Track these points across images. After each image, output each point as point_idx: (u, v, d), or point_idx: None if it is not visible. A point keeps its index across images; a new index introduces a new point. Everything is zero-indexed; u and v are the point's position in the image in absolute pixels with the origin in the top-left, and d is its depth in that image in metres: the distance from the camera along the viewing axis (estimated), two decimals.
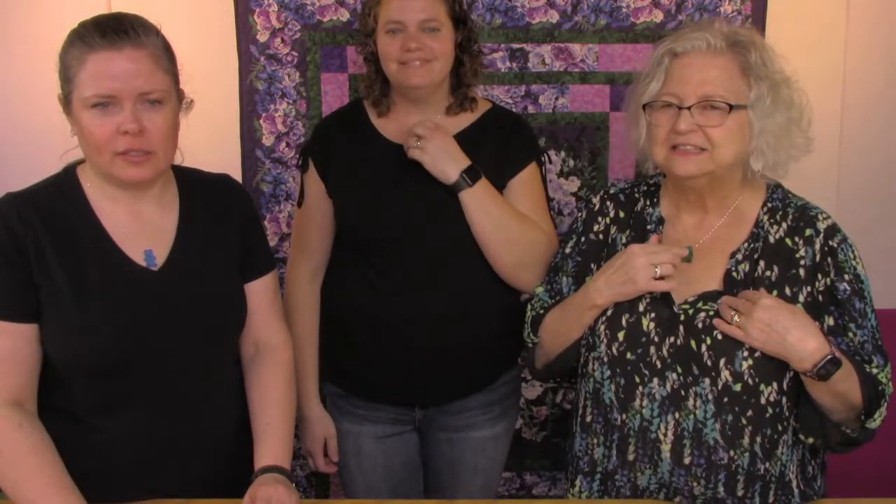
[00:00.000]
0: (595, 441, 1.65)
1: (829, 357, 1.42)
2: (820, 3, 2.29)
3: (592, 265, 1.71)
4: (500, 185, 1.91)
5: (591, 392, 1.65)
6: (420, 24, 1.81)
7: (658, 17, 2.27)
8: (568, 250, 1.75)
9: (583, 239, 1.73)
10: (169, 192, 1.61)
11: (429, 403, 1.98)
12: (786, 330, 1.43)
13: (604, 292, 1.59)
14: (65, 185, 1.55)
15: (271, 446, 1.61)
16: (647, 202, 1.69)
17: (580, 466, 1.69)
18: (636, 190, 1.72)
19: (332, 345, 2.01)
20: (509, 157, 1.92)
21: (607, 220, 1.72)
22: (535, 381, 1.88)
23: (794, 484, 1.56)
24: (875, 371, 1.49)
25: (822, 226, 1.56)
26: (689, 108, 1.52)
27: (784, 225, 1.57)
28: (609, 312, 1.61)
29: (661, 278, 1.54)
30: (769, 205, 1.60)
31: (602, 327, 1.61)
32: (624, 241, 1.68)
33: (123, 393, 1.53)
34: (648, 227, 1.67)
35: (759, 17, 2.26)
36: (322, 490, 2.50)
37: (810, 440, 1.53)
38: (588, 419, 1.66)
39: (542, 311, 1.75)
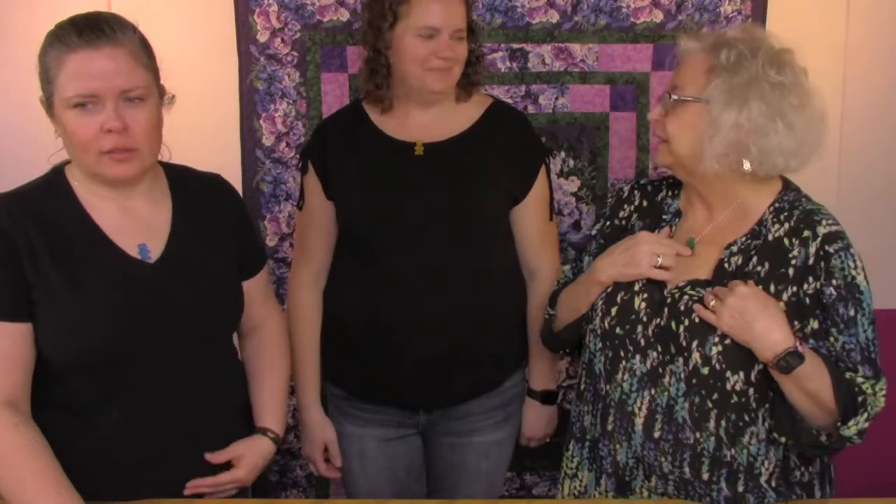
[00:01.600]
0: (585, 409, 1.74)
1: (791, 350, 1.46)
2: (820, 3, 2.29)
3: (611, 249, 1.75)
4: (517, 197, 1.93)
5: (586, 362, 1.74)
6: (454, 32, 1.81)
7: (658, 17, 2.27)
8: (594, 232, 1.82)
9: (608, 223, 1.80)
10: (158, 187, 1.62)
11: (432, 407, 1.97)
12: (754, 318, 1.48)
13: (606, 270, 1.67)
14: (54, 184, 1.56)
15: (266, 411, 1.71)
16: (669, 193, 1.75)
17: (573, 431, 1.78)
18: (664, 182, 1.78)
19: (335, 347, 2.00)
20: (522, 168, 1.92)
21: (632, 207, 1.78)
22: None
23: (764, 479, 1.57)
24: (860, 381, 1.50)
25: (822, 230, 1.55)
26: (661, 99, 1.63)
27: (787, 225, 1.59)
28: (609, 289, 1.68)
29: (664, 268, 1.60)
30: (776, 205, 1.62)
31: (600, 302, 1.69)
32: (639, 226, 1.74)
33: (122, 387, 1.53)
34: (664, 216, 1.72)
35: (758, 17, 2.26)
36: (322, 490, 2.50)
37: (782, 439, 1.55)
38: (582, 387, 1.75)
39: (560, 288, 1.84)
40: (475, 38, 1.91)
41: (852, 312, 1.52)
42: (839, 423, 1.49)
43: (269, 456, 1.69)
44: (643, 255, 1.61)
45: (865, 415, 1.49)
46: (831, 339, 1.52)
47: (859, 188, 2.35)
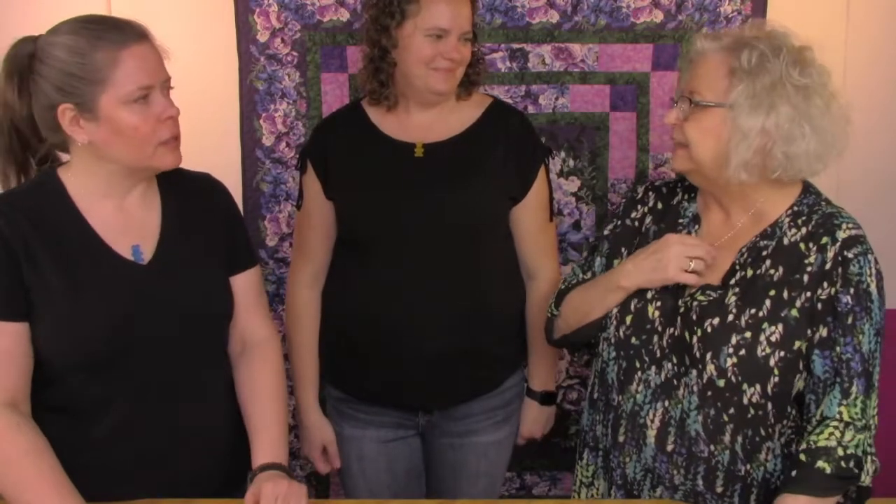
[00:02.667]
0: (598, 418, 1.71)
1: None
2: (820, 3, 2.29)
3: (623, 249, 1.72)
4: (517, 197, 1.92)
5: (599, 370, 1.70)
6: (463, 34, 1.82)
7: (658, 17, 2.27)
8: (606, 232, 1.78)
9: (619, 223, 1.76)
10: (151, 188, 1.62)
11: (431, 408, 1.97)
12: None
13: (632, 276, 1.61)
14: (46, 186, 1.55)
15: (268, 444, 1.61)
16: (685, 196, 1.71)
17: (587, 440, 1.75)
18: (679, 185, 1.73)
19: (334, 348, 2.00)
20: (522, 167, 1.92)
21: (645, 209, 1.74)
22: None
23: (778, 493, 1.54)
24: (853, 445, 1.45)
25: (841, 235, 1.51)
26: (676, 103, 1.59)
27: (804, 230, 1.55)
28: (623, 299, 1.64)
29: (694, 272, 1.56)
30: (795, 208, 1.58)
31: (614, 309, 1.65)
32: (654, 230, 1.70)
33: (118, 388, 1.53)
34: (681, 220, 1.69)
35: (758, 16, 2.25)
36: (322, 490, 2.50)
37: None
38: (595, 395, 1.72)
39: (569, 287, 1.78)
40: (476, 40, 1.92)
41: (861, 321, 1.48)
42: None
43: (280, 482, 1.54)
44: (672, 259, 1.55)
45: (870, 458, 1.47)
46: (837, 348, 1.48)
47: (859, 188, 2.35)
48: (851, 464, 1.44)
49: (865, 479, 1.47)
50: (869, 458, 1.47)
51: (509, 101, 2.27)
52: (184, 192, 1.65)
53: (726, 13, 2.27)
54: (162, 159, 1.53)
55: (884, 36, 2.33)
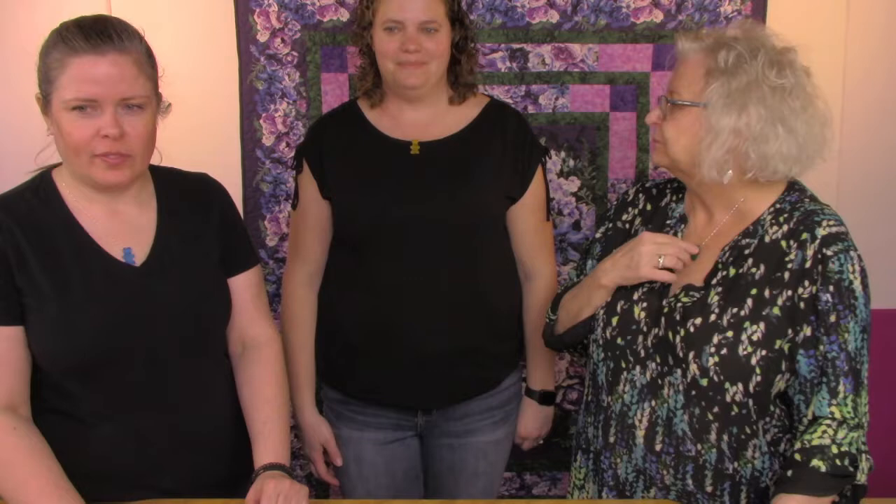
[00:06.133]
0: (590, 420, 1.72)
1: None
2: (820, 3, 2.30)
3: (614, 252, 1.72)
4: (514, 196, 1.92)
5: (591, 372, 1.71)
6: (420, 25, 1.80)
7: (658, 17, 2.27)
8: (598, 235, 1.79)
9: (610, 225, 1.77)
10: (146, 190, 1.62)
11: (430, 407, 1.97)
12: None
13: (609, 273, 1.64)
14: (41, 188, 1.55)
15: (270, 445, 1.61)
16: (673, 198, 1.72)
17: (580, 442, 1.76)
18: (669, 186, 1.74)
19: (332, 349, 2.00)
20: (520, 167, 1.92)
21: (636, 211, 1.75)
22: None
23: (773, 493, 1.52)
24: (847, 443, 1.44)
25: (821, 232, 1.50)
26: (659, 102, 1.61)
27: (785, 227, 1.55)
28: (609, 299, 1.65)
29: (667, 269, 1.57)
30: (777, 206, 1.58)
31: (601, 312, 1.66)
32: (642, 231, 1.69)
33: (114, 390, 1.53)
34: (668, 221, 1.69)
35: (758, 17, 2.26)
36: (322, 490, 2.50)
37: None
38: (589, 398, 1.73)
39: (564, 291, 1.80)
40: (465, 34, 1.89)
41: (845, 319, 1.47)
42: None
43: (282, 481, 1.55)
44: (643, 256, 1.57)
45: (864, 456, 1.46)
46: (821, 347, 1.48)
47: (859, 188, 2.35)
48: (846, 462, 1.44)
49: (861, 477, 1.46)
50: (863, 455, 1.46)
51: (509, 101, 2.27)
52: (180, 193, 1.65)
53: (726, 13, 2.27)
54: (98, 172, 1.49)
55: (884, 36, 2.33)
